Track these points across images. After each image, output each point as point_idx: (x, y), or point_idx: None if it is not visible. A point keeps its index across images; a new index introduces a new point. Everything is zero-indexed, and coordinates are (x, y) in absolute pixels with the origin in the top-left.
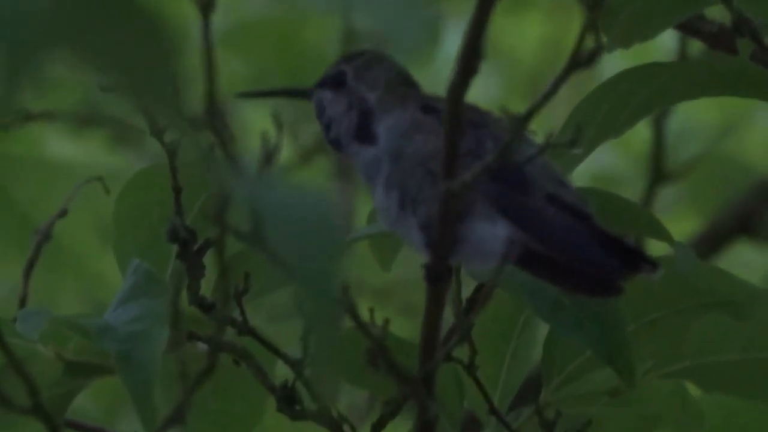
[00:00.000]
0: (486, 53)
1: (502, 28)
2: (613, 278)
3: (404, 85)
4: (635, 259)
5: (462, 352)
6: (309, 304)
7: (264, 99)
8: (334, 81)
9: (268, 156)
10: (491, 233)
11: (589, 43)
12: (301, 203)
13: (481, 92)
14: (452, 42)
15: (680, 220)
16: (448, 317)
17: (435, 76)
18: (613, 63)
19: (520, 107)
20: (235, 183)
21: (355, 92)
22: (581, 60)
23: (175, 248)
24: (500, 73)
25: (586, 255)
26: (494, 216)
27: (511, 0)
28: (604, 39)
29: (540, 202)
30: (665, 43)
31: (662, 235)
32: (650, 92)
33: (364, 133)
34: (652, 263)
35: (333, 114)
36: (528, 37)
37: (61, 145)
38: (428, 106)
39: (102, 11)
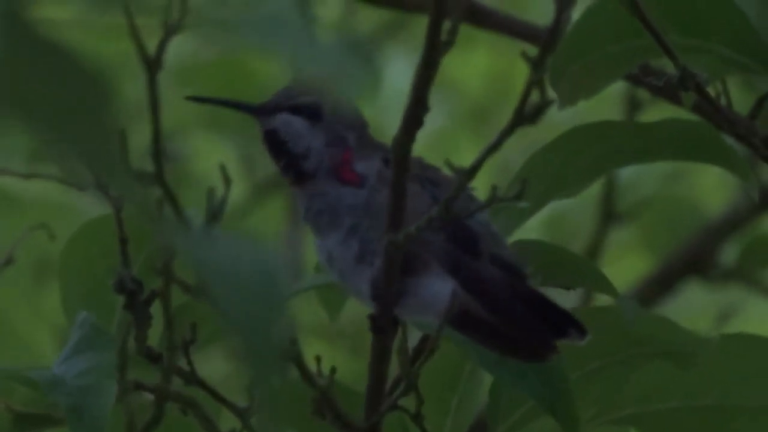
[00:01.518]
0: (430, 106)
1: (449, 59)
2: (543, 346)
3: (366, 127)
4: (565, 323)
5: (409, 401)
6: (251, 360)
7: (211, 104)
8: (309, 111)
9: (214, 211)
10: (439, 291)
11: (535, 97)
12: (244, 259)
13: (428, 123)
14: (398, 71)
15: (632, 261)
16: (396, 366)
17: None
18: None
19: (466, 139)
20: (177, 239)
21: (334, 129)
22: (526, 115)
23: (121, 299)
24: (446, 104)
25: (522, 321)
26: (444, 275)
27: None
28: (551, 95)
29: (486, 264)
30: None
31: (607, 288)
32: (601, 151)
33: (348, 174)
34: (581, 329)
35: (311, 145)
36: (474, 67)
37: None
38: (388, 159)
39: (41, 73)
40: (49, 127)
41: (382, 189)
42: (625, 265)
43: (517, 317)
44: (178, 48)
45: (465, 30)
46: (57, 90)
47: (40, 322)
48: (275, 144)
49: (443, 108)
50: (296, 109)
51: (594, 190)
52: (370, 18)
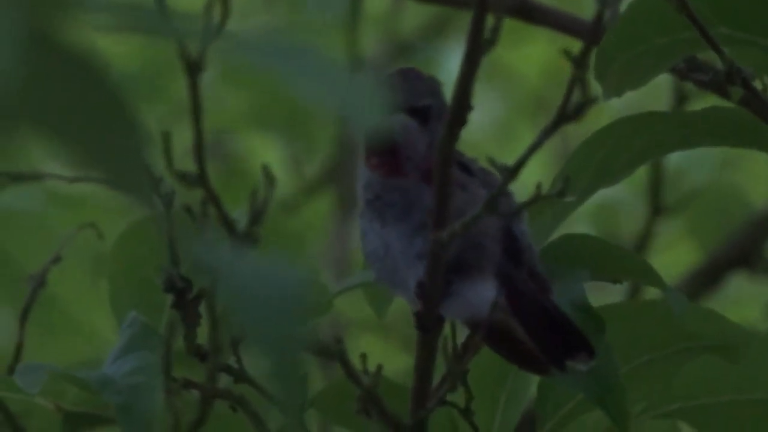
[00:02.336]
0: (473, 106)
1: (504, 49)
2: (554, 363)
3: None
4: (578, 344)
5: (458, 397)
6: (275, 384)
7: None
8: (423, 114)
9: (257, 213)
10: (484, 296)
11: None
12: (269, 280)
13: (487, 112)
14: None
15: (679, 252)
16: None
17: None
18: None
19: (524, 128)
20: (204, 256)
21: (435, 132)
22: (569, 113)
23: (169, 298)
24: (505, 93)
25: (540, 335)
26: (492, 281)
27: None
28: (597, 89)
29: (526, 276)
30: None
31: (655, 281)
32: (645, 141)
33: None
34: (591, 352)
35: (417, 149)
36: (531, 57)
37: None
38: (464, 164)
39: (74, 92)
40: (74, 145)
41: (455, 194)
42: (673, 256)
43: (543, 332)
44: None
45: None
46: (80, 107)
47: (101, 314)
48: (385, 140)
49: (502, 97)
50: (413, 111)
51: (643, 179)
52: (418, 14)
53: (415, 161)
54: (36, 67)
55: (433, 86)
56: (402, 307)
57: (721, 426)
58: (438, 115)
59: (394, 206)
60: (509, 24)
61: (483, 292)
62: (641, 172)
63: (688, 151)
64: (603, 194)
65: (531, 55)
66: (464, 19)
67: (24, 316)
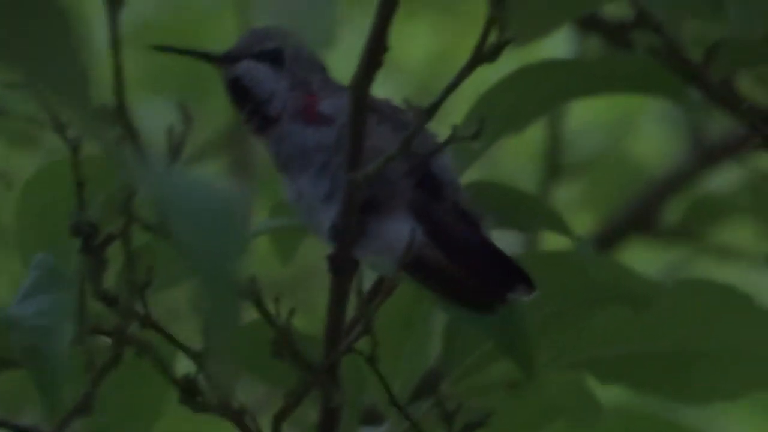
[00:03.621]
0: (389, 47)
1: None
2: (494, 297)
3: (327, 71)
4: (515, 276)
5: (363, 344)
6: (209, 297)
7: (173, 53)
8: (272, 57)
9: (175, 149)
10: (402, 233)
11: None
12: (205, 196)
13: None
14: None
15: (575, 219)
16: (349, 311)
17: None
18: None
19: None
20: (141, 175)
21: (297, 73)
22: (485, 54)
23: (78, 243)
24: (389, 82)
25: (478, 271)
26: (408, 218)
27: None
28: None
29: (448, 211)
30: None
31: (562, 228)
32: (549, 89)
33: (312, 115)
34: (530, 284)
35: (276, 89)
36: (416, 48)
37: None
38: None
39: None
40: (18, 59)
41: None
42: (570, 222)
43: (474, 267)
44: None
45: (407, 7)
46: (26, 23)
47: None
48: (239, 91)
49: (386, 87)
50: (259, 56)
51: (538, 148)
52: None
53: (279, 103)
54: None
55: (283, 33)
56: (297, 270)
57: (625, 378)
58: (296, 58)
59: (292, 156)
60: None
61: (398, 229)
62: (537, 142)
63: (580, 122)
64: (497, 159)
65: (415, 44)
66: None
67: None
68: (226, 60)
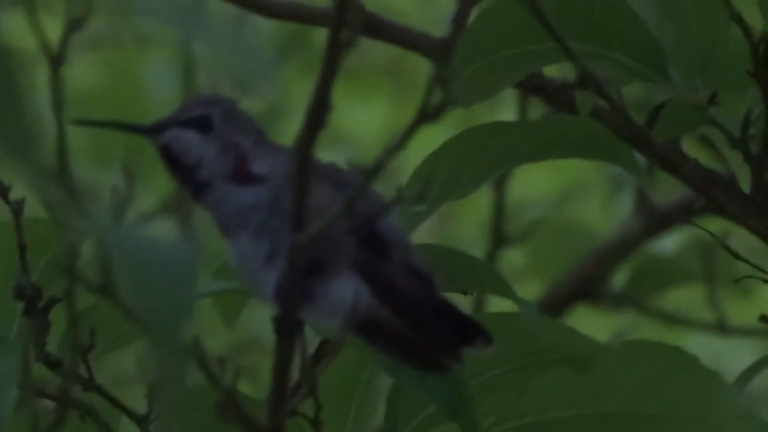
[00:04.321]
0: (331, 107)
1: (346, 113)
2: (449, 354)
3: (263, 132)
4: (471, 332)
5: (307, 407)
6: (156, 355)
7: (100, 127)
8: (199, 123)
9: (119, 207)
10: (347, 293)
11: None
12: (154, 251)
13: None
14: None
15: (521, 286)
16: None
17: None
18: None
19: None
20: (87, 231)
21: (226, 137)
22: (428, 113)
23: (21, 306)
24: (344, 159)
25: (431, 328)
26: (353, 278)
27: (354, 83)
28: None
29: (396, 268)
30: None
31: (505, 291)
32: (494, 152)
33: (244, 175)
34: (487, 339)
35: (203, 155)
36: (371, 122)
37: None
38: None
39: None
40: None
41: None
42: (516, 289)
43: (426, 323)
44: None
45: (367, 81)
46: None
47: None
48: (168, 159)
49: (336, 154)
50: (186, 123)
51: (485, 216)
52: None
53: (208, 168)
54: None
55: (212, 99)
56: (239, 338)
57: None
58: (229, 120)
59: (229, 218)
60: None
61: (343, 290)
62: (484, 211)
63: (525, 189)
64: (444, 231)
65: (370, 118)
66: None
67: None
68: (153, 130)
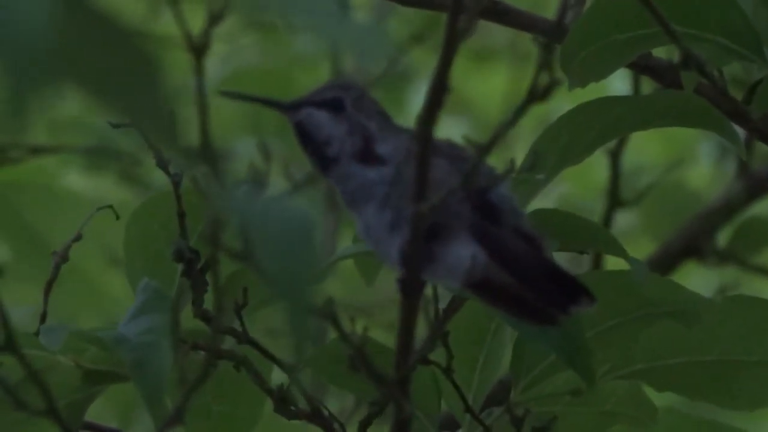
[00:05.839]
0: (451, 88)
1: (466, 81)
2: (557, 312)
3: (388, 117)
4: (576, 291)
5: (440, 356)
6: (287, 316)
7: (245, 101)
8: (332, 104)
9: (257, 181)
10: (463, 256)
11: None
12: (285, 220)
13: None
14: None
15: (634, 244)
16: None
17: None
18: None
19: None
20: (226, 203)
21: (355, 119)
22: (537, 94)
23: (179, 268)
24: (464, 126)
25: (541, 288)
26: (469, 242)
27: (474, 52)
28: (563, 78)
29: (508, 233)
30: (617, 87)
31: (618, 251)
32: (605, 124)
33: (369, 156)
34: (591, 297)
35: (334, 134)
36: (491, 89)
37: (71, 179)
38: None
39: (105, 49)
40: (106, 97)
41: (411, 162)
42: (629, 248)
43: (536, 282)
44: (221, 62)
45: (485, 52)
46: (112, 61)
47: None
48: (301, 135)
49: (460, 128)
50: (320, 104)
51: (599, 181)
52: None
53: (337, 146)
54: (71, 26)
55: (345, 84)
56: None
57: (677, 385)
58: (359, 105)
59: (356, 192)
60: (468, 57)
61: (461, 253)
62: (598, 176)
63: (638, 156)
64: (564, 193)
65: (490, 86)
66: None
67: (48, 288)
68: (290, 107)
